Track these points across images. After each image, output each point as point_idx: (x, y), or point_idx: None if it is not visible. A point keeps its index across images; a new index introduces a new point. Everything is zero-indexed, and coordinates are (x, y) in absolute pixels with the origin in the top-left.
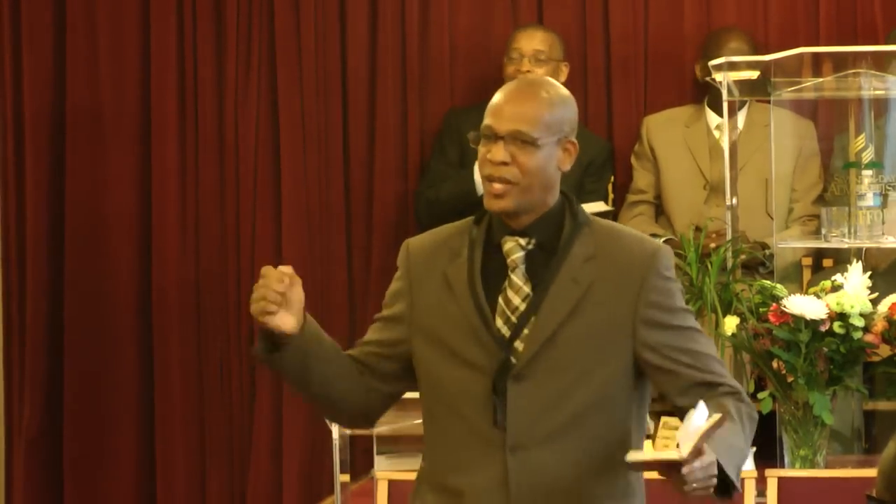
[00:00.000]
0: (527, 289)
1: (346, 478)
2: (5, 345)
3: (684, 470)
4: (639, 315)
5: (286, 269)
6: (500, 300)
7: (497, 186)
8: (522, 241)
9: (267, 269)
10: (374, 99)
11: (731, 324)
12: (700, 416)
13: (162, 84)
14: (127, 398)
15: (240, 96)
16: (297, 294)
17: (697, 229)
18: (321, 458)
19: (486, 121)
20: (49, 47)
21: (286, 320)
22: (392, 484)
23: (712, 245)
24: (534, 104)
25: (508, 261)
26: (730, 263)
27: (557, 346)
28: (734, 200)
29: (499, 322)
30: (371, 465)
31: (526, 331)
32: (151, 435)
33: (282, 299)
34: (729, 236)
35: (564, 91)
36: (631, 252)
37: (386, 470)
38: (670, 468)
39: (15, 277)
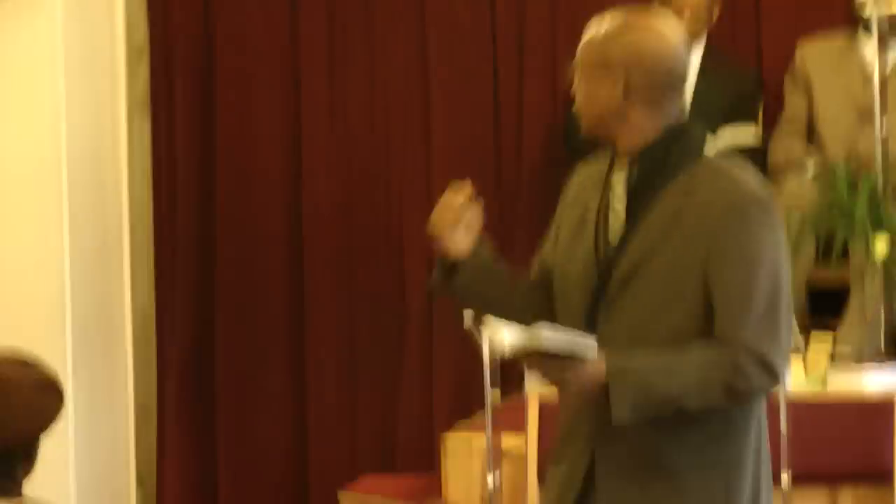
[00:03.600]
0: (623, 216)
1: (496, 395)
2: (158, 283)
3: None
4: (714, 254)
5: (465, 186)
6: (603, 228)
7: (580, 119)
8: (625, 172)
9: (450, 187)
10: (522, 34)
11: (881, 245)
12: (558, 339)
13: (312, 19)
14: (278, 328)
15: (389, 32)
16: (476, 218)
17: (850, 155)
18: (471, 377)
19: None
20: None
21: (461, 242)
22: (542, 401)
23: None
24: (600, 39)
25: (611, 192)
26: (880, 189)
27: (641, 278)
28: (884, 131)
29: (599, 250)
30: (518, 385)
31: (619, 259)
32: (302, 363)
33: (461, 217)
34: (879, 164)
35: (648, 27)
36: (725, 194)
37: (536, 387)
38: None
39: (166, 212)
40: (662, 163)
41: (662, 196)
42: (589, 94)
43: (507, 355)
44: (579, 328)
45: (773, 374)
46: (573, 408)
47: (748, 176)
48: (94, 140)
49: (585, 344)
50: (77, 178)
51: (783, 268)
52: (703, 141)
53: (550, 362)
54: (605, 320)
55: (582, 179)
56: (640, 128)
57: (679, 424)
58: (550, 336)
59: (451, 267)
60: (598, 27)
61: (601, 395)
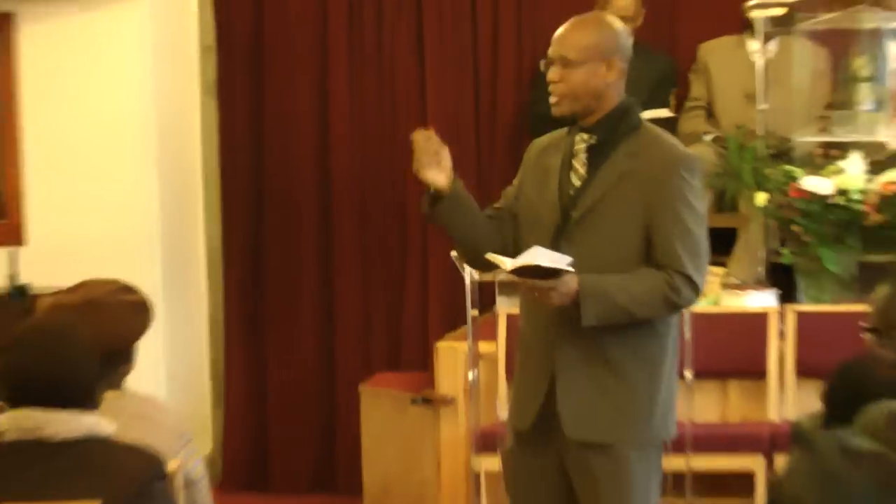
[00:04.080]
0: (582, 171)
1: (475, 312)
2: (223, 223)
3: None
4: (655, 201)
5: (429, 132)
6: (565, 180)
7: (553, 98)
8: (586, 137)
9: (416, 133)
10: (497, 25)
11: (761, 198)
12: (546, 256)
13: (336, 24)
14: (311, 258)
15: (395, 30)
16: (446, 158)
17: (738, 128)
18: (456, 298)
19: (549, 52)
20: None
21: (439, 177)
22: (509, 317)
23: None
24: (574, 34)
25: (574, 150)
26: (761, 153)
27: (597, 216)
28: (766, 106)
29: (563, 196)
30: (491, 305)
31: (577, 202)
32: (330, 286)
33: (435, 157)
34: (761, 133)
35: (609, 23)
36: (663, 153)
37: (505, 306)
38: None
39: (229, 168)
40: (615, 130)
41: (613, 156)
42: (582, 80)
43: (509, 270)
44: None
45: (697, 291)
46: (536, 322)
47: (676, 141)
48: (176, 115)
49: (567, 260)
50: (164, 144)
51: (704, 212)
52: (640, 113)
53: (541, 274)
54: (566, 249)
55: (540, 148)
56: (610, 103)
57: (620, 328)
58: (543, 252)
59: (435, 198)
60: (575, 26)
61: (573, 305)
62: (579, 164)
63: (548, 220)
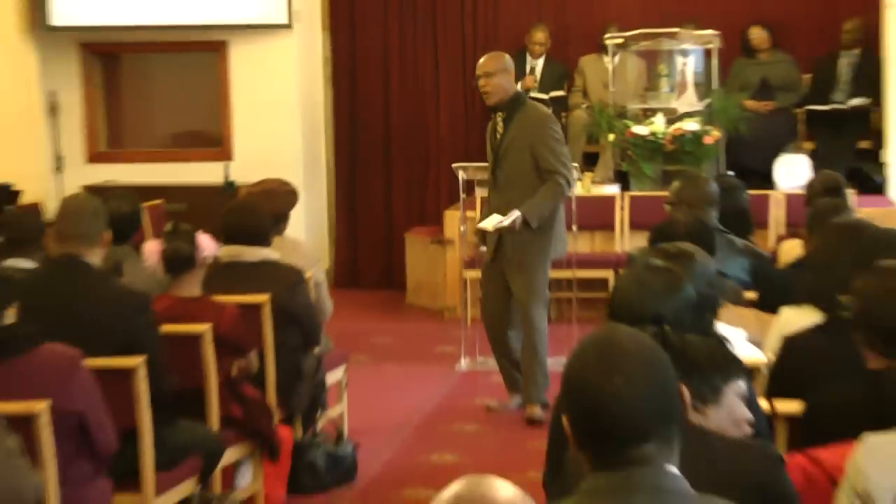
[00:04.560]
0: (500, 131)
1: (464, 195)
2: (336, 150)
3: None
4: (535, 140)
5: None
6: (494, 137)
7: (485, 96)
8: (501, 115)
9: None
10: (465, 54)
11: (611, 137)
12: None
13: (396, 40)
14: (378, 168)
15: (420, 45)
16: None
17: (599, 101)
18: (455, 189)
19: (477, 72)
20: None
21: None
22: (482, 198)
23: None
24: (489, 62)
25: (496, 119)
26: (611, 114)
27: (509, 155)
28: (614, 89)
29: (494, 143)
30: (474, 191)
31: (500, 146)
32: (390, 184)
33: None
34: (611, 106)
35: (502, 54)
36: (536, 116)
37: (480, 193)
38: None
39: (338, 122)
40: (513, 107)
41: (514, 120)
42: (499, 85)
43: (491, 228)
44: (493, 185)
45: (568, 177)
46: (494, 203)
47: (544, 109)
48: (310, 95)
49: (514, 213)
50: (304, 108)
51: (562, 140)
52: (526, 97)
53: (505, 224)
54: (498, 172)
55: (492, 122)
56: (508, 95)
57: (536, 222)
58: (497, 217)
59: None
60: (490, 58)
61: (523, 222)
62: (499, 127)
63: (491, 156)
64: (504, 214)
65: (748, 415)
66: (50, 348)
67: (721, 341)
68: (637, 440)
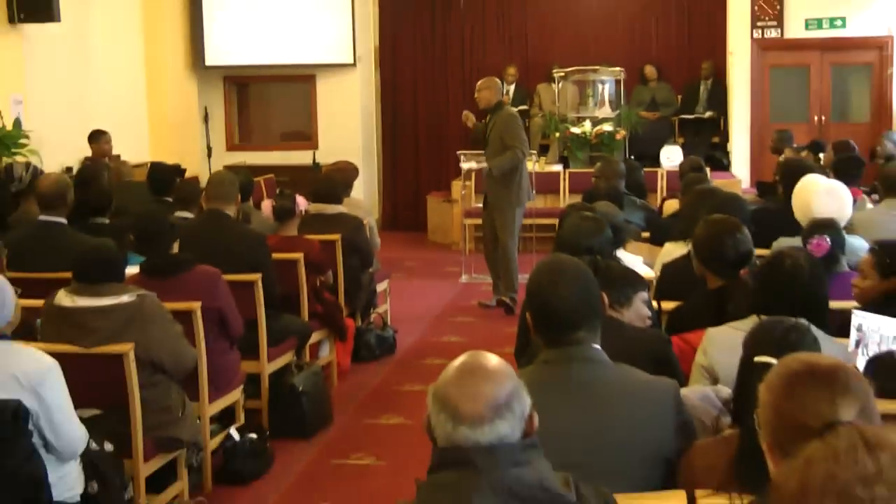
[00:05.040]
0: (489, 125)
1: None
2: (382, 120)
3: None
4: (503, 129)
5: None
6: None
7: (479, 102)
8: (488, 115)
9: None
10: (465, 79)
11: (556, 135)
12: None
13: (418, 67)
14: (410, 147)
15: (437, 73)
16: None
17: (550, 112)
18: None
19: (476, 87)
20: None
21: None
22: (475, 172)
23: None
24: (483, 83)
25: (487, 118)
26: (558, 120)
27: (492, 138)
28: (559, 104)
29: (482, 133)
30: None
31: (487, 134)
32: (420, 157)
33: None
34: (559, 113)
35: (493, 79)
36: (506, 114)
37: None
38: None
39: (383, 98)
40: (495, 110)
41: (495, 117)
42: (488, 96)
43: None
44: (486, 154)
45: (524, 154)
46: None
47: (512, 110)
48: (367, 108)
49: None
50: (364, 119)
51: (520, 127)
52: (504, 104)
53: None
54: (487, 150)
55: (483, 121)
56: (491, 103)
57: (497, 173)
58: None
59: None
60: (484, 80)
61: (489, 170)
62: (489, 122)
63: (482, 138)
64: (490, 174)
65: (649, 313)
66: (202, 268)
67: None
68: (573, 327)
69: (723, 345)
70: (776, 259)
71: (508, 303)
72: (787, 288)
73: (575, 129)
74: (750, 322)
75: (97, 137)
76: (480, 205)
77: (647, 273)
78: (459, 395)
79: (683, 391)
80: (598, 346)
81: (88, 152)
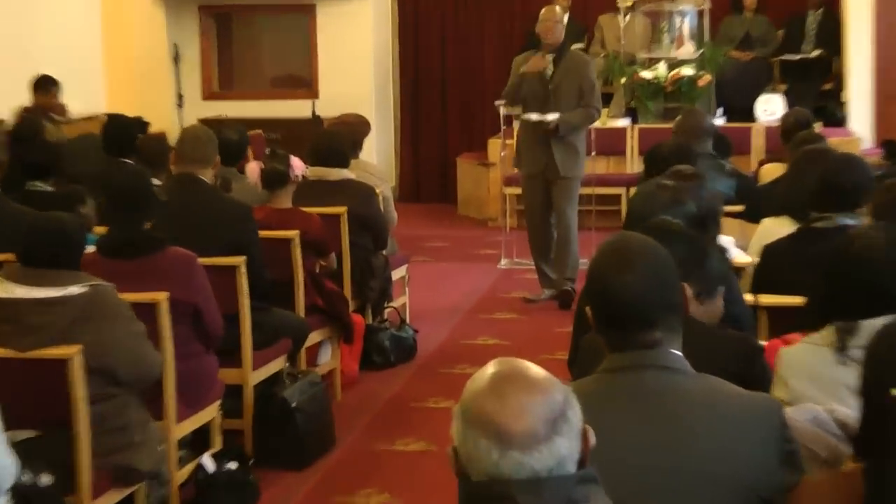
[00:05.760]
0: (550, 70)
1: (505, 126)
2: (401, 84)
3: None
4: (580, 78)
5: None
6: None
7: (547, 37)
8: (550, 56)
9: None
10: (506, 11)
11: (622, 80)
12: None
13: (452, 18)
14: (436, 102)
15: (470, 4)
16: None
17: (614, 50)
18: (497, 122)
19: (541, 18)
20: None
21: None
22: (517, 130)
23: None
24: (551, 13)
25: (545, 61)
26: (623, 61)
27: (560, 87)
28: (624, 41)
29: (544, 80)
30: (511, 124)
31: (551, 83)
32: (446, 115)
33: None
34: (624, 52)
35: (556, 11)
36: (581, 59)
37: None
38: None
39: (404, 64)
40: (561, 52)
41: (562, 61)
42: (558, 31)
43: (534, 121)
44: (541, 110)
45: (599, 114)
46: (533, 135)
47: (584, 54)
48: (382, 47)
49: (553, 116)
50: (377, 62)
51: (596, 78)
52: (571, 45)
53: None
54: (550, 104)
55: (522, 60)
56: (559, 41)
57: (566, 136)
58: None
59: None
60: (549, 9)
61: (555, 127)
62: (550, 64)
63: (539, 90)
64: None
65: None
66: (173, 251)
67: (722, 251)
68: (646, 326)
69: (801, 370)
70: (843, 242)
71: (569, 290)
72: (860, 277)
73: (646, 74)
74: (828, 334)
75: (45, 87)
76: (522, 170)
77: (741, 258)
78: (502, 411)
79: (788, 412)
80: (678, 352)
81: (29, 102)
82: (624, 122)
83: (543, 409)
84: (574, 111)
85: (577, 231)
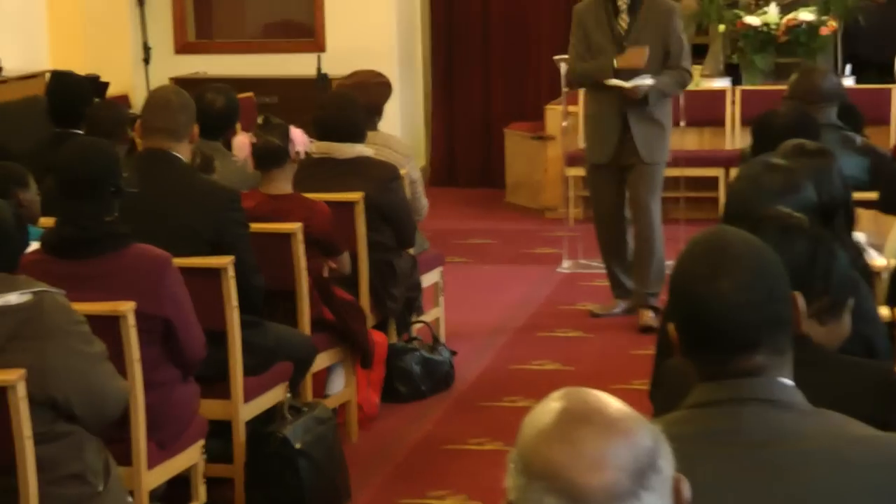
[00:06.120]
0: (625, 23)
1: (566, 89)
2: (432, 45)
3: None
4: (666, 32)
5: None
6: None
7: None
8: (624, 6)
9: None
10: None
11: (721, 27)
12: (642, 79)
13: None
14: (476, 60)
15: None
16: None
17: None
18: (557, 85)
19: None
20: None
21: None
22: (584, 93)
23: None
24: None
25: (618, 9)
26: (721, 3)
27: (639, 45)
28: None
29: (616, 35)
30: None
31: (627, 38)
32: (489, 76)
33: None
34: None
35: None
36: (665, 8)
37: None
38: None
39: (434, 23)
40: (639, 1)
41: (640, 10)
42: None
43: (627, 87)
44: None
45: (690, 74)
46: (608, 101)
47: (670, 1)
48: (411, 14)
49: (644, 80)
50: (401, 4)
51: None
52: None
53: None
54: (624, 71)
55: (585, 11)
56: None
57: (654, 102)
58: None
59: None
60: None
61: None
62: (622, 20)
63: (609, 49)
64: (623, 105)
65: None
66: (140, 249)
67: (858, 251)
68: (746, 349)
69: None
70: None
71: (653, 305)
72: None
73: (751, 19)
74: None
75: None
76: (591, 158)
77: (876, 260)
78: (575, 462)
79: None
80: (788, 381)
81: None
82: (722, 83)
83: (627, 458)
84: (661, 75)
85: (663, 227)
